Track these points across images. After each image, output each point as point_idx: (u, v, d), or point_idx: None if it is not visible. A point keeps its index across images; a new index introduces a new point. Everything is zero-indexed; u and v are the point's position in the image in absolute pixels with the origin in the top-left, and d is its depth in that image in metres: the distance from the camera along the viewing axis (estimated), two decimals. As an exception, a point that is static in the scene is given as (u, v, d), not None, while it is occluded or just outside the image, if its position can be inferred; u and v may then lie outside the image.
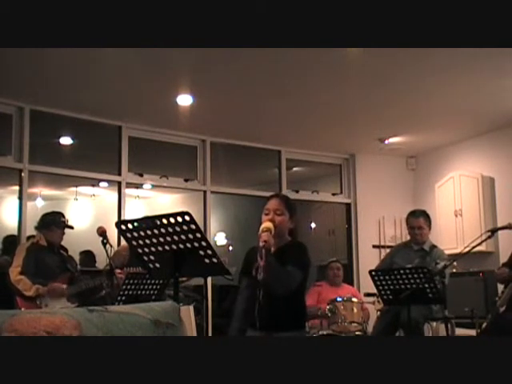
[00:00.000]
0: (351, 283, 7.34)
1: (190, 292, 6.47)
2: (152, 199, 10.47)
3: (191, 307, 2.10)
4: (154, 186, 7.99)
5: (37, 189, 8.71)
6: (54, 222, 5.03)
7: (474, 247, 4.34)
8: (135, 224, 2.62)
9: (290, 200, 3.19)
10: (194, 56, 4.79)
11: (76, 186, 9.45)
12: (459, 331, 5.36)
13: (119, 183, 6.68)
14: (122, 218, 6.47)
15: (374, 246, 7.81)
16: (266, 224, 2.86)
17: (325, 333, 5.25)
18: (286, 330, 2.94)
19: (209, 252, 2.58)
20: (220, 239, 10.04)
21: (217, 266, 2.62)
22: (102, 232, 4.37)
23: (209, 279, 6.30)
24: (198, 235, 2.53)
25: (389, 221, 7.85)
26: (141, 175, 6.88)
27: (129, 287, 4.18)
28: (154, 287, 4.28)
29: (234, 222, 9.78)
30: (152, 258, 2.69)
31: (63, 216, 5.19)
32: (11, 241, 6.16)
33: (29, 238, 5.55)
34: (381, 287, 4.33)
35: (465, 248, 4.45)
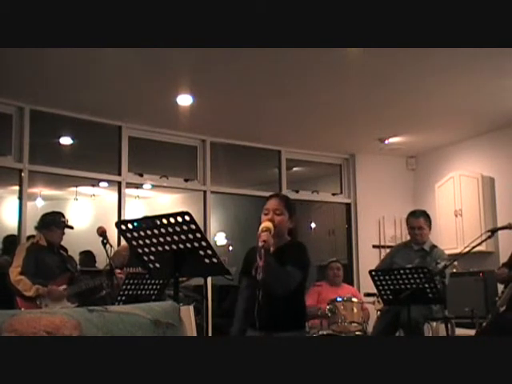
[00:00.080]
0: (351, 283, 7.34)
1: (189, 292, 6.47)
2: (152, 199, 10.47)
3: (191, 307, 2.10)
4: (153, 186, 7.99)
5: (37, 189, 8.71)
6: (53, 222, 5.03)
7: (474, 247, 4.34)
8: (135, 224, 2.62)
9: (289, 200, 3.19)
10: (194, 56, 4.79)
11: (76, 186, 9.45)
12: (459, 331, 5.36)
13: (119, 183, 6.69)
14: (122, 217, 6.47)
15: (374, 246, 7.82)
16: (266, 224, 2.86)
17: (325, 333, 5.25)
18: (286, 330, 2.94)
19: (209, 252, 2.58)
20: (220, 239, 10.04)
21: (217, 266, 2.62)
22: (101, 232, 4.37)
23: (209, 279, 6.30)
24: (198, 235, 2.53)
25: (389, 221, 7.85)
26: (141, 175, 6.88)
27: (129, 287, 4.18)
28: (154, 287, 4.28)
29: (234, 222, 9.78)
30: (152, 257, 2.69)
31: (63, 216, 5.19)
32: (11, 241, 6.16)
33: (29, 237, 5.55)
34: (381, 287, 4.33)
35: (465, 248, 4.45)
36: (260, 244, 2.74)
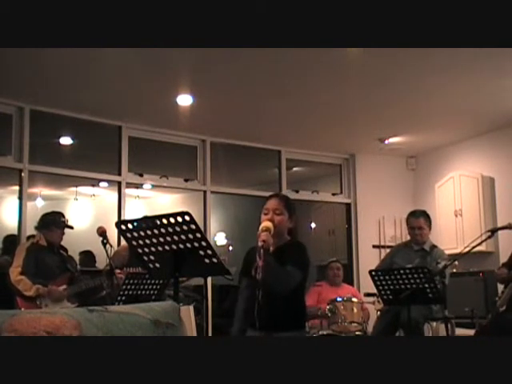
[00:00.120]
0: (351, 283, 7.34)
1: (190, 292, 6.47)
2: (152, 199, 10.47)
3: (191, 307, 2.10)
4: (153, 186, 7.99)
5: (37, 189, 8.71)
6: (53, 222, 5.03)
7: (474, 247, 4.34)
8: (135, 224, 2.62)
9: (289, 200, 3.19)
10: (194, 56, 4.79)
11: (76, 186, 9.45)
12: (459, 331, 5.36)
13: (119, 183, 6.68)
14: (122, 217, 6.47)
15: (374, 246, 7.81)
16: (265, 224, 2.86)
17: (325, 333, 5.25)
18: (286, 329, 2.94)
19: (209, 252, 2.58)
20: (220, 239, 10.04)
21: (217, 266, 2.62)
22: (101, 232, 4.37)
23: (209, 279, 6.30)
24: (198, 235, 2.53)
25: (389, 221, 7.85)
26: (141, 175, 6.88)
27: (129, 287, 4.18)
28: (154, 287, 4.27)
29: (234, 222, 9.78)
30: (152, 257, 2.69)
31: (63, 216, 5.19)
32: (11, 241, 6.16)
33: (29, 237, 5.55)
34: (381, 287, 4.33)
35: (465, 248, 4.45)
36: (259, 244, 2.74)
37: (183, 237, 2.53)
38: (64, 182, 8.60)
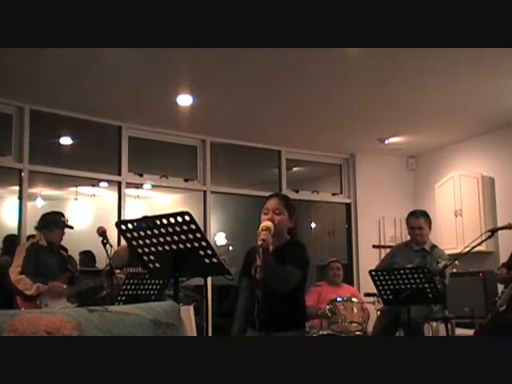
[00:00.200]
0: (351, 283, 7.34)
1: (190, 292, 6.46)
2: (152, 199, 10.47)
3: (191, 307, 2.11)
4: (153, 186, 7.99)
5: (37, 189, 8.71)
6: (53, 222, 5.03)
7: (474, 247, 4.33)
8: (135, 224, 2.62)
9: (289, 199, 3.20)
10: (194, 56, 4.79)
11: (76, 186, 9.45)
12: (459, 331, 5.36)
13: (119, 183, 6.69)
14: (122, 217, 6.47)
15: (374, 246, 7.81)
16: (265, 223, 2.87)
17: (325, 333, 5.25)
18: (286, 329, 2.94)
19: (209, 252, 2.58)
20: (220, 239, 10.04)
21: (217, 266, 2.62)
22: (101, 232, 4.37)
23: (209, 279, 6.30)
24: (198, 235, 2.53)
25: (389, 221, 7.85)
26: (141, 175, 6.89)
27: (129, 287, 4.18)
28: (154, 287, 4.27)
29: (234, 222, 9.79)
30: (152, 257, 2.69)
31: (63, 216, 5.19)
32: (11, 240, 6.15)
33: (29, 237, 5.55)
34: (381, 287, 4.32)
35: (465, 248, 4.44)
36: (259, 243, 2.75)
37: (183, 237, 2.53)
38: (64, 182, 8.61)
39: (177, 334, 1.62)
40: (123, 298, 4.15)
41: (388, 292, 4.30)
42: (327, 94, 5.80)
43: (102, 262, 5.72)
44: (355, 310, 5.32)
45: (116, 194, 6.81)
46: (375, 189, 7.93)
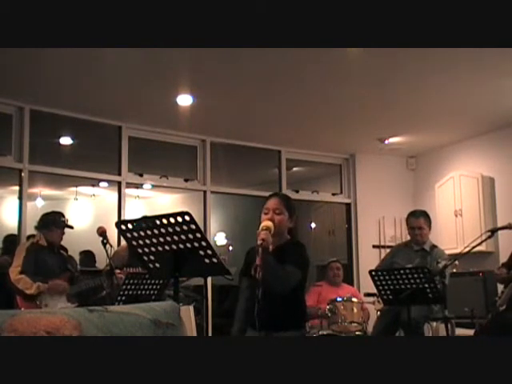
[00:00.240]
0: (351, 283, 7.34)
1: (190, 292, 6.47)
2: (152, 199, 10.47)
3: (191, 307, 2.11)
4: (153, 186, 7.99)
5: (37, 189, 8.71)
6: (53, 221, 5.03)
7: (474, 247, 4.33)
8: (135, 224, 2.62)
9: (289, 199, 3.20)
10: (194, 56, 4.79)
11: (76, 186, 9.45)
12: (459, 331, 5.36)
13: (119, 183, 6.69)
14: (122, 217, 6.47)
15: (374, 246, 7.82)
16: (266, 223, 2.87)
17: (325, 333, 5.25)
18: (286, 329, 2.94)
19: (209, 252, 2.58)
20: (220, 239, 10.04)
21: (217, 266, 2.62)
22: (101, 232, 4.37)
23: (209, 279, 6.30)
24: (198, 235, 2.53)
25: (389, 221, 7.85)
26: (141, 175, 6.89)
27: (129, 287, 4.18)
28: (154, 287, 4.27)
29: (234, 222, 9.79)
30: (152, 257, 2.69)
31: (63, 216, 5.19)
32: (11, 240, 6.15)
33: (29, 237, 5.55)
34: (381, 287, 4.32)
35: (465, 248, 4.44)
36: (258, 242, 2.75)
37: (183, 237, 2.53)
38: (64, 182, 8.61)
39: (177, 333, 1.62)
40: (123, 297, 4.15)
41: (388, 292, 4.30)
42: (327, 94, 5.80)
43: (102, 261, 5.72)
44: (355, 310, 5.32)
45: (116, 194, 6.81)
46: (375, 189, 7.93)
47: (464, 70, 5.20)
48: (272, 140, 7.39)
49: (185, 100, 5.89)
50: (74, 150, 7.31)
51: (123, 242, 5.00)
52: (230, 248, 9.87)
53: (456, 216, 7.05)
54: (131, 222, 2.64)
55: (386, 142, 7.31)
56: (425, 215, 5.16)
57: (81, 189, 9.65)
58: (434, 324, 5.17)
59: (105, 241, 4.33)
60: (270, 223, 2.87)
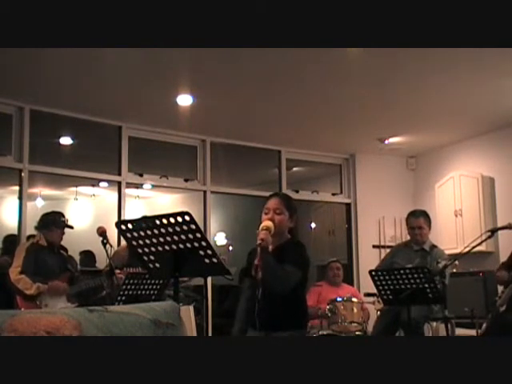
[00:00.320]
0: (351, 283, 7.34)
1: (190, 292, 6.47)
2: (152, 199, 10.47)
3: (191, 307, 2.11)
4: (153, 186, 7.99)
5: (37, 189, 8.71)
6: (53, 221, 5.03)
7: (474, 247, 4.33)
8: (135, 224, 2.62)
9: (290, 199, 3.19)
10: (194, 56, 4.79)
11: (76, 186, 9.46)
12: (459, 331, 5.36)
13: (119, 183, 6.69)
14: (122, 218, 6.47)
15: (374, 246, 7.82)
16: (266, 223, 2.87)
17: (325, 333, 5.25)
18: (286, 329, 2.94)
19: (209, 252, 2.58)
20: (220, 239, 10.04)
21: (217, 265, 2.62)
22: (101, 232, 4.37)
23: (209, 279, 6.30)
24: (198, 235, 2.53)
25: (389, 221, 7.85)
26: (141, 175, 6.89)
27: (129, 287, 4.18)
28: (154, 287, 4.27)
29: (234, 222, 9.79)
30: (152, 257, 2.69)
31: (63, 216, 5.19)
32: (11, 240, 6.15)
33: (29, 237, 5.55)
34: (381, 287, 4.32)
35: (465, 248, 4.44)
36: (258, 242, 2.75)
37: (183, 237, 2.53)
38: (64, 182, 8.61)
39: (177, 334, 1.62)
40: (123, 297, 4.15)
41: (388, 292, 4.30)
42: (327, 94, 5.80)
43: (102, 261, 5.73)
44: (355, 310, 5.32)
45: (116, 194, 6.81)
46: (375, 189, 7.93)
47: (464, 70, 5.20)
48: (272, 140, 7.39)
49: (185, 100, 5.89)
50: (73, 150, 7.31)
51: (123, 242, 5.00)
52: (230, 248, 9.87)
53: (456, 216, 7.05)
54: (131, 221, 2.64)
55: (386, 141, 7.31)
56: (425, 215, 5.16)
57: (81, 189, 9.65)
58: (434, 324, 5.17)
59: (105, 241, 4.33)
60: (269, 223, 2.87)
